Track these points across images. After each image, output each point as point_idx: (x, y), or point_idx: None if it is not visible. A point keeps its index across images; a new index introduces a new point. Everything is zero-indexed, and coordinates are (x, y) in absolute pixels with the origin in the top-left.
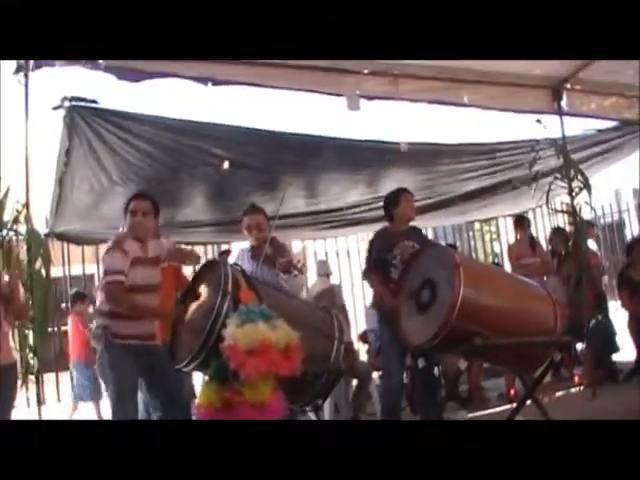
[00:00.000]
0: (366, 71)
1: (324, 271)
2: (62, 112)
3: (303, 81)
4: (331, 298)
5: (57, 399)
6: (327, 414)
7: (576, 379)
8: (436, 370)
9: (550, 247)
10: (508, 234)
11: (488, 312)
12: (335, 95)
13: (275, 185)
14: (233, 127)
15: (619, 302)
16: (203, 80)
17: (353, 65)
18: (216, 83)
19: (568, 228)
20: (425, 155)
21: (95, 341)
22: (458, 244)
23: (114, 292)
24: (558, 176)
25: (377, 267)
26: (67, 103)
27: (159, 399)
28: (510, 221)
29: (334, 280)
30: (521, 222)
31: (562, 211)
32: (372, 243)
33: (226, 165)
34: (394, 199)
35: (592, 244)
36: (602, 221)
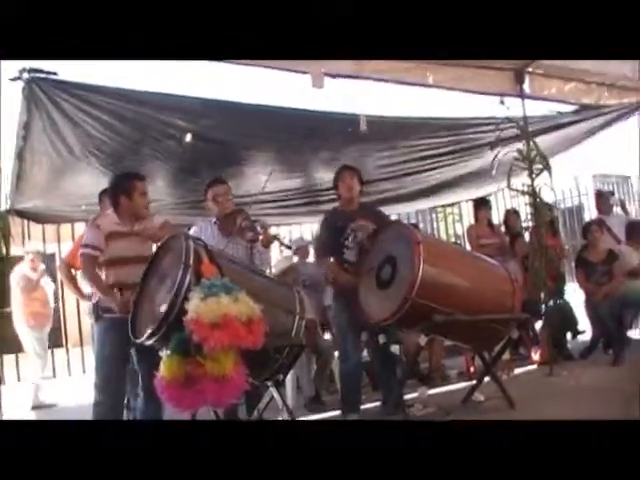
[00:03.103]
0: None
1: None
2: (20, 84)
3: None
4: (294, 276)
5: (17, 379)
6: (289, 390)
7: (534, 357)
8: (397, 347)
9: (505, 228)
10: (470, 216)
11: (448, 289)
12: (300, 72)
13: (240, 159)
14: (196, 99)
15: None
16: None
17: None
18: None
19: (528, 209)
20: (388, 130)
21: (89, 316)
22: (421, 225)
23: (84, 264)
24: (519, 157)
25: (329, 250)
26: (25, 75)
27: (146, 373)
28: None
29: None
30: (481, 203)
31: (522, 192)
32: (322, 226)
33: (189, 138)
34: (335, 178)
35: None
36: (563, 205)
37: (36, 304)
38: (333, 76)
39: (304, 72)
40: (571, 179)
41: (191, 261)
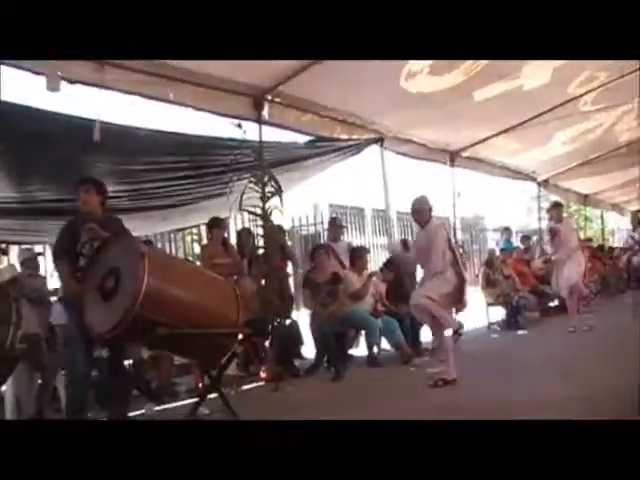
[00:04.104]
0: None
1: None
2: None
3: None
4: (17, 287)
5: None
6: (8, 406)
7: (262, 374)
8: (123, 361)
9: (238, 248)
10: None
11: (173, 302)
12: (35, 73)
13: None
14: None
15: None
16: None
17: None
18: None
19: (261, 231)
20: (124, 141)
21: None
22: (159, 245)
23: None
24: (253, 180)
25: (64, 256)
26: None
27: None
28: None
29: None
30: (214, 224)
31: (254, 214)
32: (61, 231)
33: None
34: (76, 190)
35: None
36: (300, 231)
37: None
38: (71, 81)
39: (40, 73)
40: (310, 207)
41: None
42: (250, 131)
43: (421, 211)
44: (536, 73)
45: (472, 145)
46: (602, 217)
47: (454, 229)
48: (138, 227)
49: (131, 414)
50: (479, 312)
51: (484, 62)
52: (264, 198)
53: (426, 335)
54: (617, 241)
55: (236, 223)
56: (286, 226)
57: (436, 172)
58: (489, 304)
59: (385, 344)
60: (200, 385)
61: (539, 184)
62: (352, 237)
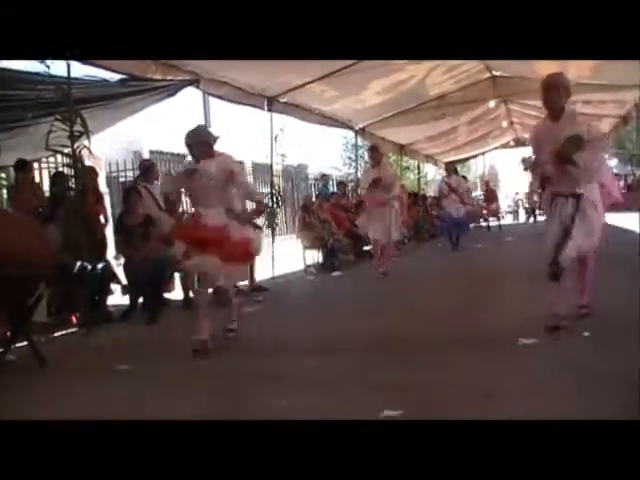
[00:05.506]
0: None
1: None
2: None
3: None
4: None
5: None
6: None
7: (73, 320)
8: None
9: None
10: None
11: None
12: None
13: None
14: None
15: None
16: None
17: None
18: None
19: (71, 171)
20: None
21: None
22: None
23: None
24: (59, 118)
25: None
26: None
27: None
28: None
29: None
30: (22, 165)
31: (61, 153)
32: None
33: None
34: None
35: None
36: (119, 178)
37: None
38: None
39: None
40: (130, 152)
41: None
42: (58, 66)
43: (199, 145)
44: None
45: (289, 91)
46: (418, 167)
47: (272, 175)
48: None
49: None
50: (296, 255)
51: None
52: (72, 137)
53: None
54: (434, 191)
55: (48, 164)
56: (104, 171)
57: (260, 117)
58: (305, 247)
59: None
60: (8, 333)
61: (356, 132)
62: None
